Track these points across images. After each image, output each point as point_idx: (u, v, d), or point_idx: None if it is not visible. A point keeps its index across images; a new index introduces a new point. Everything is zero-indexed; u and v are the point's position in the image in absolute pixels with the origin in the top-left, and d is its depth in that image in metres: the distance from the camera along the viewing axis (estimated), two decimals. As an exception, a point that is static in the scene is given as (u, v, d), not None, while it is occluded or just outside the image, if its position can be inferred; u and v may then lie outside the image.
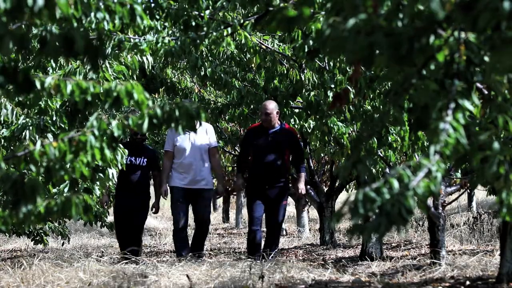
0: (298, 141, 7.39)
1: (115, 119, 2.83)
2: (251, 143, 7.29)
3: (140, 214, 7.63)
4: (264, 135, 7.24)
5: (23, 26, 2.82)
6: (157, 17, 4.69)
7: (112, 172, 4.42)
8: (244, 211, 18.64)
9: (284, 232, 13.34)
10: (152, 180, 7.99)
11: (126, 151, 4.42)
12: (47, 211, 2.66)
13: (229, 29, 4.76)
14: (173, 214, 7.47)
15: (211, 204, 7.80)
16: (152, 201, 7.79)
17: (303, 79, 7.35)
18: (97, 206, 8.48)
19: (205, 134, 7.47)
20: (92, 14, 3.05)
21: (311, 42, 4.64)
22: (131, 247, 7.48)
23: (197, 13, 4.65)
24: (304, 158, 7.53)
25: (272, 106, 7.25)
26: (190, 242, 7.64)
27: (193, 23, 4.64)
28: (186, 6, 4.70)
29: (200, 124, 2.95)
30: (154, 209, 7.63)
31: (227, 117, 9.02)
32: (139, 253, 7.62)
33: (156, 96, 10.22)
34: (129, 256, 7.00)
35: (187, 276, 5.60)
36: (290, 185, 7.63)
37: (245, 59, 7.75)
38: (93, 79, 4.46)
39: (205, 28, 4.60)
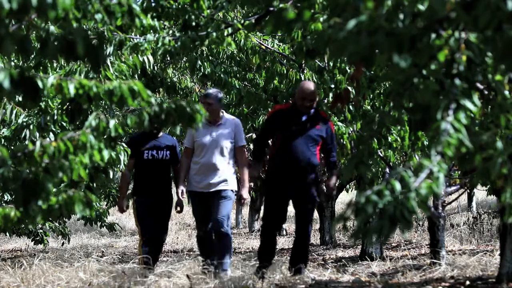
0: (333, 131, 6.16)
1: (114, 119, 2.82)
2: (277, 127, 5.99)
3: (168, 214, 6.57)
4: (296, 119, 5.95)
5: (23, 26, 2.82)
6: (158, 17, 4.69)
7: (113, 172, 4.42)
8: (245, 211, 18.62)
9: (284, 232, 13.33)
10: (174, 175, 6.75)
11: (129, 150, 4.36)
12: (49, 208, 2.66)
13: (230, 29, 4.76)
14: (195, 218, 6.50)
15: (230, 209, 6.41)
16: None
17: (303, 79, 7.35)
18: (98, 204, 8.33)
19: (231, 130, 6.30)
20: (91, 14, 3.06)
21: (310, 42, 4.64)
22: (156, 250, 6.53)
23: (197, 13, 4.65)
24: (336, 152, 6.26)
25: (315, 90, 5.98)
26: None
27: (193, 23, 4.64)
28: (187, 6, 4.70)
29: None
30: (179, 208, 6.48)
31: (227, 117, 9.01)
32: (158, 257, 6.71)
33: (158, 96, 10.22)
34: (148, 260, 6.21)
35: (187, 276, 5.60)
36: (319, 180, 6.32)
37: (245, 59, 7.75)
38: (94, 77, 4.47)
39: (207, 29, 4.60)
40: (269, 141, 6.25)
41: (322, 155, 6.10)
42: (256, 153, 6.18)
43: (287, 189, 5.96)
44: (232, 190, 6.28)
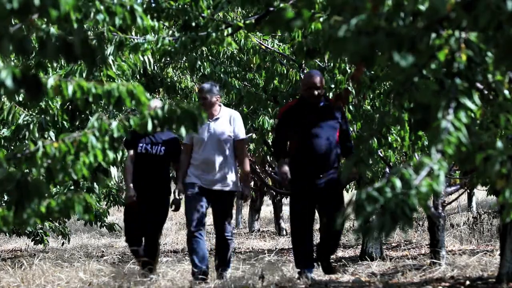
0: (346, 117, 5.95)
1: (115, 119, 2.83)
2: (292, 125, 5.75)
3: (160, 212, 6.43)
4: (309, 113, 5.72)
5: (23, 27, 2.83)
6: (157, 17, 4.69)
7: (114, 171, 4.42)
8: (245, 211, 18.62)
9: (284, 232, 13.33)
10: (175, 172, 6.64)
11: (126, 150, 4.39)
12: (48, 211, 2.66)
13: (230, 29, 4.76)
14: (186, 214, 6.05)
15: (231, 211, 6.32)
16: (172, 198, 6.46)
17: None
18: (98, 205, 8.29)
19: (229, 124, 6.06)
20: (92, 15, 3.06)
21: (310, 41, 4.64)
22: (146, 246, 6.32)
23: (197, 13, 4.66)
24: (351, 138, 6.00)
25: (321, 77, 5.77)
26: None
27: (193, 24, 4.64)
28: (187, 6, 4.70)
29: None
30: (174, 206, 6.30)
31: (227, 117, 9.00)
32: (157, 258, 6.43)
33: (157, 96, 10.22)
34: (138, 251, 6.14)
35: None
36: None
37: (245, 59, 7.74)
38: (94, 77, 4.46)
39: (207, 29, 4.61)
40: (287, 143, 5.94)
41: (339, 141, 5.78)
42: (278, 153, 5.87)
43: (313, 186, 5.69)
44: (234, 192, 6.08)
